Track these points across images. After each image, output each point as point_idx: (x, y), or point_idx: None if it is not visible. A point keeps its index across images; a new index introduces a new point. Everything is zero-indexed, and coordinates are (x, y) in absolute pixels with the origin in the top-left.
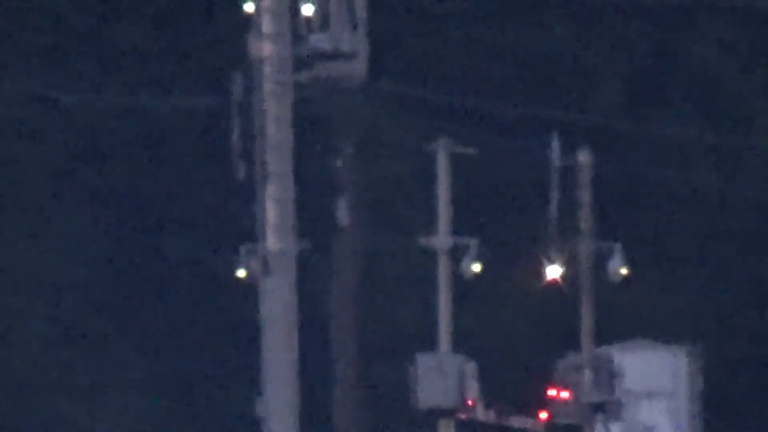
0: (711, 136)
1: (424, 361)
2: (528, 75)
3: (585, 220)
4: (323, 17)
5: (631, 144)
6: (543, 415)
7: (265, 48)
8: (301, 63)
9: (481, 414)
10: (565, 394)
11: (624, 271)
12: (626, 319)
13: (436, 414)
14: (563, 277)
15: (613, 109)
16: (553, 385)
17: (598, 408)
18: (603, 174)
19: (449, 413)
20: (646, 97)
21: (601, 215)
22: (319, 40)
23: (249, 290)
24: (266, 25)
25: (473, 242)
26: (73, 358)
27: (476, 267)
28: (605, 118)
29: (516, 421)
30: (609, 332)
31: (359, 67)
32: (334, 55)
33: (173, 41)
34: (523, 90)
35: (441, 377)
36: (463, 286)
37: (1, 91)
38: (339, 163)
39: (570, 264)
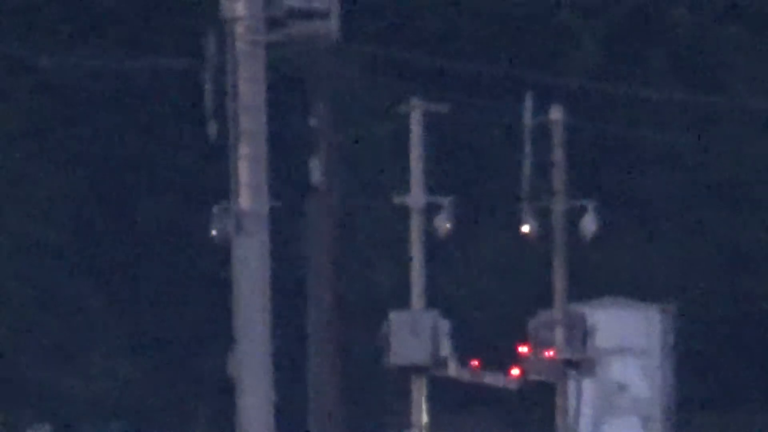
0: (686, 95)
1: (397, 319)
2: (502, 34)
3: (558, 178)
4: None
5: (606, 103)
6: (515, 371)
7: (237, 8)
8: (273, 22)
9: (454, 371)
10: (537, 351)
11: (597, 228)
12: (600, 277)
13: (409, 371)
14: (537, 235)
15: (588, 68)
16: (525, 343)
17: (571, 365)
18: (578, 133)
19: (422, 370)
20: (621, 57)
21: (575, 174)
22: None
23: (223, 250)
24: None
25: (447, 200)
26: (48, 320)
27: (449, 225)
28: (580, 77)
29: (489, 378)
30: (583, 290)
31: (332, 26)
32: (307, 14)
33: (146, 2)
34: (498, 49)
35: (414, 335)
36: (437, 245)
37: None
38: (312, 122)
39: (543, 222)
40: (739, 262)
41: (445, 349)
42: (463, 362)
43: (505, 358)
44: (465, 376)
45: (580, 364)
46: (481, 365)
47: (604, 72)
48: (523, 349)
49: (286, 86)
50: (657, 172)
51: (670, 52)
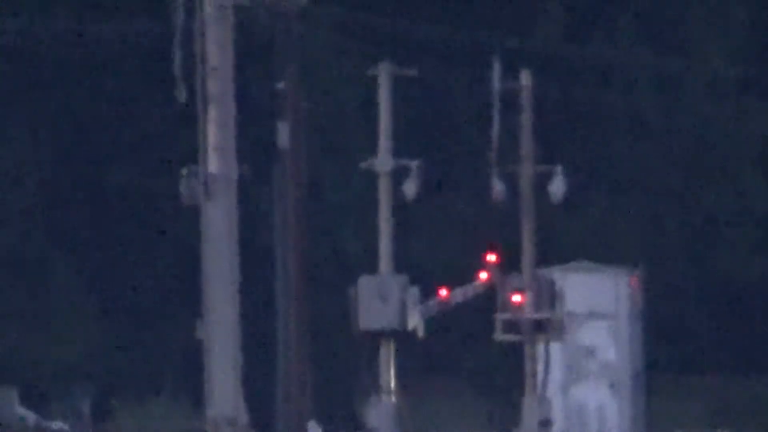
0: (653, 61)
1: (365, 284)
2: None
3: (526, 143)
4: None
5: (574, 69)
6: (483, 275)
7: None
8: None
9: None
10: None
11: (564, 193)
12: (568, 241)
13: (377, 336)
14: (505, 199)
15: (555, 34)
16: (494, 251)
17: (540, 328)
18: (545, 98)
19: (390, 335)
20: (588, 22)
21: (543, 139)
22: None
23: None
24: None
25: (414, 164)
26: (16, 284)
27: (417, 189)
28: (547, 43)
29: (459, 294)
30: (552, 255)
31: None
32: None
33: None
34: (466, 14)
35: (382, 300)
36: (405, 210)
37: None
38: (280, 87)
39: (512, 187)
40: (706, 227)
41: (414, 316)
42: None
43: (475, 324)
44: (432, 308)
45: (548, 327)
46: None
47: (571, 38)
48: (491, 257)
49: (254, 51)
50: (625, 138)
51: (637, 16)
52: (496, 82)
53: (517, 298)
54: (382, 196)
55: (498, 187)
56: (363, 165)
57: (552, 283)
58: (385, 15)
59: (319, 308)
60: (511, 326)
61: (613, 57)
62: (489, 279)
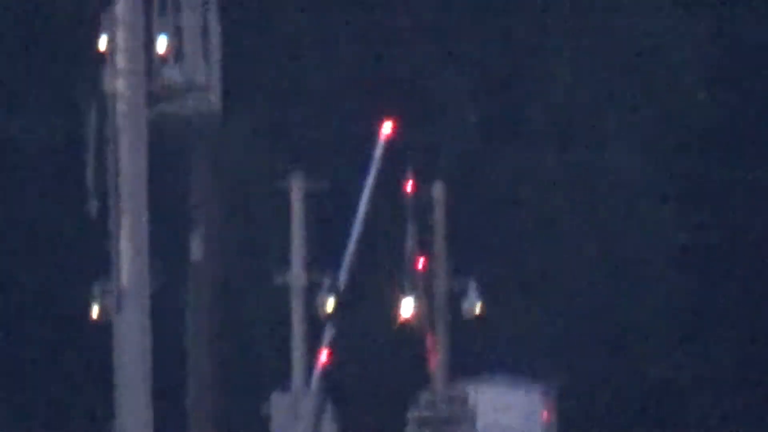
0: (566, 163)
1: (278, 401)
2: (383, 106)
3: (439, 256)
4: (177, 51)
5: (487, 175)
6: None
7: (119, 83)
8: (155, 97)
9: None
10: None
11: (478, 308)
12: (482, 355)
13: None
14: (418, 313)
15: (468, 140)
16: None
17: None
18: (458, 206)
19: None
20: (500, 129)
21: (456, 249)
22: (172, 74)
23: (103, 328)
24: (120, 61)
25: (328, 279)
26: None
27: (331, 304)
28: (460, 150)
29: None
30: (464, 368)
31: (213, 101)
32: (188, 89)
33: (31, 76)
34: (378, 121)
35: (296, 417)
36: (318, 322)
37: None
38: (193, 199)
39: (425, 300)
40: (622, 339)
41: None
42: None
43: None
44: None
45: None
46: None
47: (484, 144)
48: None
49: (167, 161)
50: (539, 245)
51: (549, 119)
52: (409, 194)
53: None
54: (294, 311)
55: (410, 302)
56: (276, 279)
57: (465, 398)
58: (299, 123)
59: (234, 420)
60: None
61: (525, 159)
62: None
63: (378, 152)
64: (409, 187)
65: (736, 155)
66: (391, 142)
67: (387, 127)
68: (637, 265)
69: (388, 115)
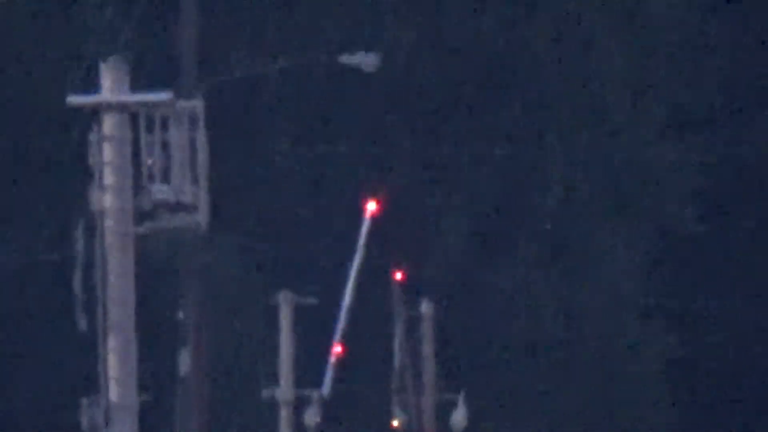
0: (556, 285)
1: None
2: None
3: (428, 372)
4: (164, 169)
5: (475, 294)
6: None
7: (106, 200)
8: (142, 214)
9: None
10: None
11: (466, 423)
12: None
13: None
14: (407, 429)
15: (458, 258)
16: None
17: None
18: (448, 323)
19: None
20: (490, 245)
21: (445, 365)
22: (160, 192)
23: None
24: (107, 178)
25: (316, 394)
26: None
27: (319, 420)
28: (448, 268)
29: None
30: None
31: (200, 219)
32: (176, 207)
33: (15, 195)
34: (366, 240)
35: None
36: None
37: None
38: (181, 314)
39: (414, 415)
40: None
41: None
42: None
43: None
44: None
45: None
46: None
47: (473, 261)
48: None
49: (155, 278)
50: (527, 363)
51: (540, 240)
52: (397, 311)
53: None
54: (282, 428)
55: (399, 417)
56: (264, 394)
57: None
58: (287, 242)
59: None
60: None
61: (516, 280)
62: None
63: (363, 230)
64: (398, 275)
65: (720, 280)
66: (376, 225)
67: (372, 205)
68: (626, 379)
69: (372, 196)
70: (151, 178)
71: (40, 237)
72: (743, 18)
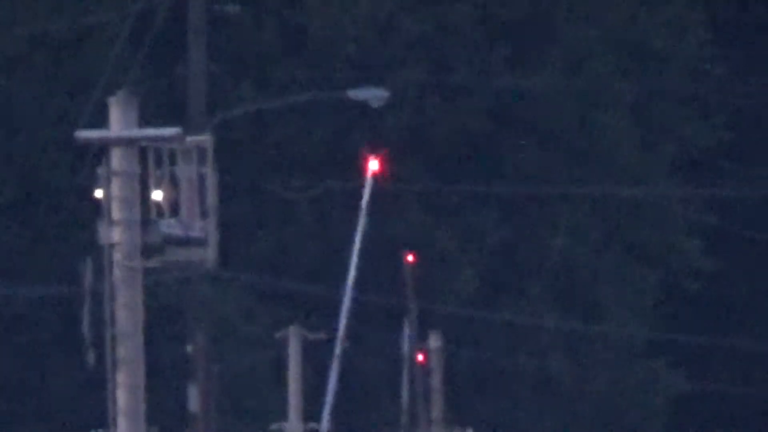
0: (564, 324)
1: None
2: (379, 264)
3: (437, 405)
4: (173, 203)
5: (484, 331)
6: None
7: (114, 234)
8: (150, 248)
9: None
10: None
11: None
12: None
13: None
14: None
15: (467, 296)
16: None
17: None
18: (456, 360)
19: None
20: (499, 285)
21: (453, 401)
22: (169, 226)
23: None
24: (115, 212)
25: (324, 428)
26: None
27: None
28: (458, 306)
29: None
30: None
31: (209, 254)
32: (185, 241)
33: (21, 230)
34: (375, 278)
35: None
36: None
37: None
38: (189, 349)
39: None
40: None
41: None
42: None
43: None
44: None
45: None
46: None
47: (482, 300)
48: None
49: (164, 313)
50: (535, 400)
51: (547, 280)
52: (405, 345)
53: None
54: None
55: None
56: (273, 428)
57: None
58: (296, 278)
59: None
60: None
61: (522, 318)
62: None
63: (367, 190)
64: (410, 257)
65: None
66: (380, 181)
67: (374, 164)
68: (633, 415)
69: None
70: (159, 212)
71: (48, 271)
72: (750, 55)
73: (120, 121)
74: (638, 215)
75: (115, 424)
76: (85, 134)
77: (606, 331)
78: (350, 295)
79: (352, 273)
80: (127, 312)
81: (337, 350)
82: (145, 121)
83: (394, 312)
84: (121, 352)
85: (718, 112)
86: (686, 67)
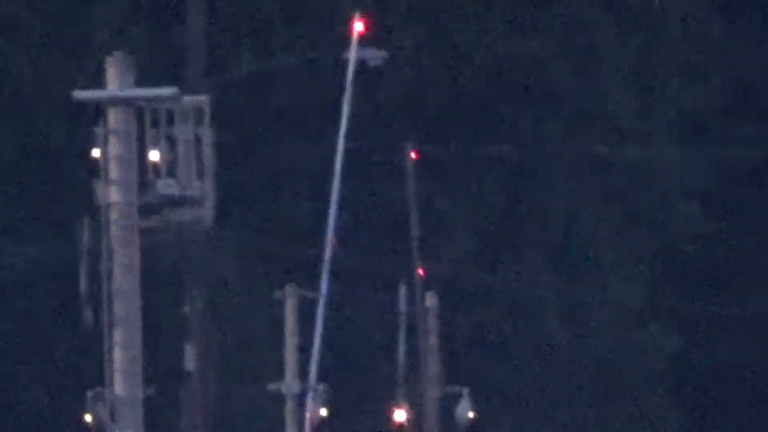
0: (560, 288)
1: None
2: (377, 223)
3: (432, 364)
4: (170, 163)
5: (481, 293)
6: None
7: (111, 194)
8: (147, 209)
9: None
10: None
11: (471, 415)
12: None
13: None
14: (410, 421)
15: (464, 257)
16: None
17: None
18: (453, 320)
19: None
20: (497, 247)
21: (449, 361)
22: (166, 186)
23: None
24: (113, 172)
25: (321, 387)
26: None
27: (323, 411)
28: (456, 266)
29: None
30: None
31: (206, 214)
32: (181, 202)
33: (21, 189)
34: (373, 238)
35: None
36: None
37: None
38: (186, 309)
39: (418, 409)
40: None
41: None
42: None
43: None
44: None
45: None
46: None
47: (480, 263)
48: None
49: (160, 273)
50: (532, 362)
51: (546, 243)
52: (402, 304)
53: None
54: (288, 420)
55: (403, 409)
56: (269, 387)
57: None
58: (292, 239)
59: None
60: None
61: (521, 281)
62: None
63: (352, 51)
64: (413, 154)
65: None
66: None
67: (359, 25)
68: (630, 378)
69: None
70: (156, 172)
71: (45, 231)
72: (751, 19)
73: (117, 81)
74: (637, 178)
75: (111, 384)
76: (82, 94)
77: (603, 293)
78: (335, 207)
79: (336, 185)
80: (124, 271)
81: (320, 307)
82: (143, 81)
83: (393, 276)
84: (118, 311)
85: (716, 75)
86: (685, 30)
